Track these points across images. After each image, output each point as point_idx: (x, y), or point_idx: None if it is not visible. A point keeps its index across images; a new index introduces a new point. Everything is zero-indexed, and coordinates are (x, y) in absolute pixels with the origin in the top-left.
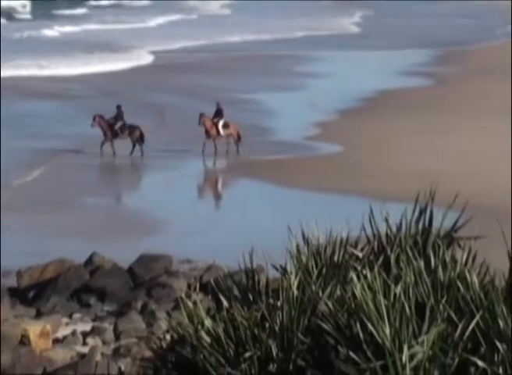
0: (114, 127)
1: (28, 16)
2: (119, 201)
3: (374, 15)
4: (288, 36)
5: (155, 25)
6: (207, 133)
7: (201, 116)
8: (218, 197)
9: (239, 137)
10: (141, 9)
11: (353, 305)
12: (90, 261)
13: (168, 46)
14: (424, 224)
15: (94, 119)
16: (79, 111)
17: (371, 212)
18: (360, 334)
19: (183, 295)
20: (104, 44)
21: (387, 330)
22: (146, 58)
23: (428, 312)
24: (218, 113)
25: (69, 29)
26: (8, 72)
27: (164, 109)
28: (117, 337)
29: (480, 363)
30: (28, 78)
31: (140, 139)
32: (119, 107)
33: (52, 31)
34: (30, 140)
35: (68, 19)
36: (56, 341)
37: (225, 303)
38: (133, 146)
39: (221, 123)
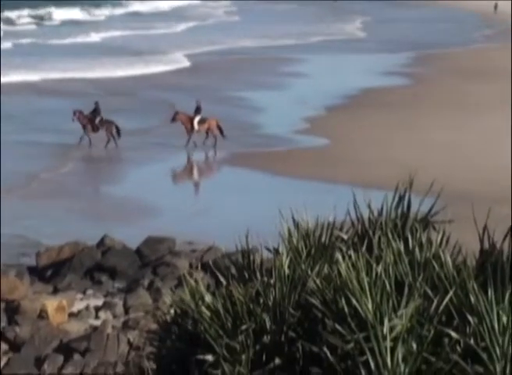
0: (94, 122)
1: (56, 23)
2: (120, 189)
3: (372, 20)
4: (304, 41)
5: (180, 31)
6: (185, 128)
7: (176, 113)
8: (215, 185)
9: (220, 131)
10: (160, 16)
11: (338, 282)
12: (101, 242)
13: (196, 50)
14: (402, 209)
15: (74, 114)
16: (145, 105)
17: (355, 198)
18: (345, 308)
19: (186, 274)
20: (141, 49)
21: (369, 305)
22: (184, 61)
23: (406, 289)
24: (197, 110)
25: (103, 35)
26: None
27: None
28: (126, 311)
29: (453, 335)
30: (78, 79)
31: (117, 133)
32: (96, 103)
33: (89, 37)
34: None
35: (91, 25)
36: (71, 315)
37: (223, 281)
38: (108, 139)
39: (197, 119)
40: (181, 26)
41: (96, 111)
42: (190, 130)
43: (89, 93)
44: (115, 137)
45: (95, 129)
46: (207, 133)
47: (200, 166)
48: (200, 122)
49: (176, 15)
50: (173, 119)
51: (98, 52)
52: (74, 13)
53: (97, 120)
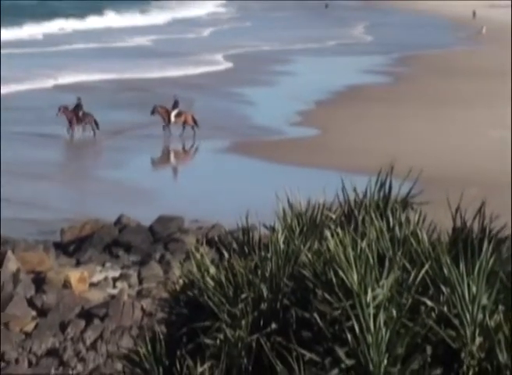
0: (78, 115)
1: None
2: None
3: (370, 25)
4: (321, 45)
5: (207, 35)
6: (163, 120)
7: (155, 107)
8: (217, 171)
9: (195, 123)
10: (179, 24)
11: (327, 257)
12: (118, 221)
13: (228, 52)
14: (384, 192)
15: (59, 109)
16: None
17: (343, 183)
18: (334, 280)
19: (193, 248)
20: (182, 51)
21: (355, 276)
22: (225, 62)
23: (387, 262)
24: (175, 104)
25: (139, 40)
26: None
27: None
28: (140, 281)
29: (429, 303)
30: (135, 79)
31: (95, 124)
32: (79, 98)
33: (130, 41)
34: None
35: (122, 31)
36: (92, 285)
37: (225, 255)
38: (93, 129)
39: (174, 113)
40: (206, 31)
41: (79, 106)
42: (168, 122)
43: (104, 89)
44: (94, 129)
45: (79, 121)
46: (183, 125)
47: (201, 155)
48: (177, 115)
49: (195, 22)
50: (153, 112)
51: (134, 55)
52: (105, 20)
53: (80, 114)
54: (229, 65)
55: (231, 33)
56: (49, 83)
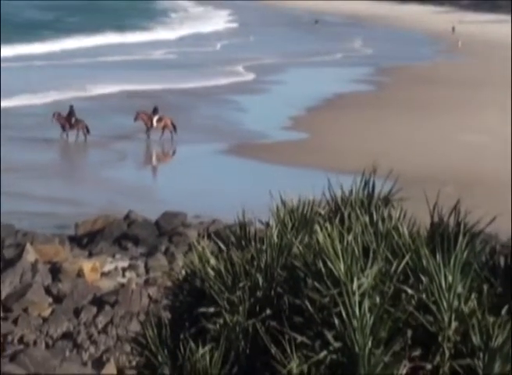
0: (70, 121)
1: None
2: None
3: (366, 39)
4: (327, 58)
5: (219, 48)
6: (146, 125)
7: (138, 113)
8: (216, 171)
9: (174, 127)
10: (188, 40)
11: (317, 249)
12: (127, 216)
13: (246, 64)
14: (368, 190)
15: (53, 115)
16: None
17: (330, 182)
18: (322, 270)
19: (195, 241)
20: (202, 63)
21: (342, 267)
22: (248, 73)
23: (371, 254)
24: (155, 111)
25: (157, 53)
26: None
27: None
28: (147, 271)
29: (409, 291)
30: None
31: (86, 130)
32: (71, 106)
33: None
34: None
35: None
36: (103, 274)
37: (224, 247)
38: (84, 134)
39: (155, 118)
40: (218, 45)
41: (71, 113)
42: (150, 126)
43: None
44: (85, 134)
45: (71, 127)
46: (163, 129)
47: (203, 156)
48: (158, 120)
49: (204, 38)
50: (136, 118)
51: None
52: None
53: (73, 120)
54: (251, 75)
55: (240, 47)
56: (80, 93)
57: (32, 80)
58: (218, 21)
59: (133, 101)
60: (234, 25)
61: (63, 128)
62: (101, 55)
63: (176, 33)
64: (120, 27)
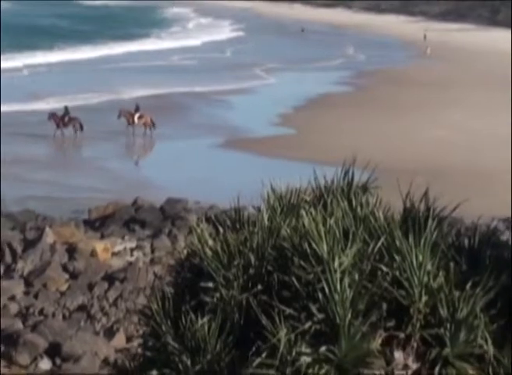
0: (64, 120)
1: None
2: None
3: (348, 45)
4: (329, 63)
5: (229, 55)
6: (128, 121)
7: (121, 111)
8: (213, 162)
9: (153, 124)
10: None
11: (303, 231)
12: (135, 202)
13: (263, 67)
14: (348, 180)
15: (49, 115)
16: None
17: (315, 172)
18: (308, 250)
19: (194, 224)
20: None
21: (325, 247)
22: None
23: (350, 236)
24: (137, 109)
25: (174, 58)
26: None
27: None
28: (152, 251)
29: (384, 268)
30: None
31: (80, 127)
32: (66, 107)
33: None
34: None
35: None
36: (113, 254)
37: (221, 230)
38: (75, 131)
39: (136, 115)
40: (227, 52)
41: (66, 112)
42: (132, 122)
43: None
44: (77, 130)
45: (66, 125)
46: (144, 125)
47: (202, 149)
48: (139, 117)
49: (213, 46)
50: (119, 116)
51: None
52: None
53: (66, 119)
54: (271, 79)
55: (248, 53)
56: (114, 95)
57: (68, 83)
58: (225, 30)
59: (162, 102)
60: (240, 33)
61: (57, 126)
62: (124, 61)
63: (195, 41)
64: (133, 36)
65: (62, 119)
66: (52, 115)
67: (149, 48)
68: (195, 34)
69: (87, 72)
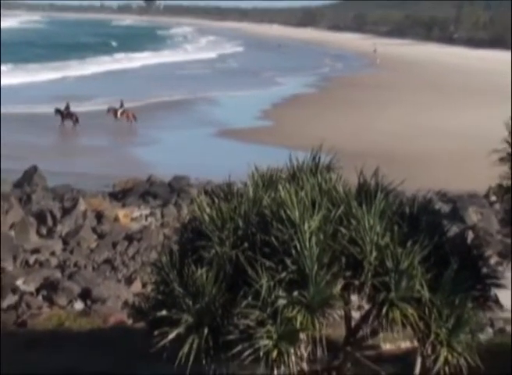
0: (63, 114)
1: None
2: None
3: (315, 56)
4: (319, 71)
5: (236, 65)
6: (114, 115)
7: (109, 108)
8: (208, 149)
9: (134, 118)
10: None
11: (280, 201)
12: (149, 179)
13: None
14: (315, 161)
15: (55, 111)
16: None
17: (290, 155)
18: (283, 216)
19: (195, 196)
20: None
21: (297, 214)
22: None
23: (317, 205)
24: (121, 105)
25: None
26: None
27: None
28: (162, 217)
29: (343, 230)
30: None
31: (76, 120)
32: (67, 103)
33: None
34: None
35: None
36: (132, 219)
37: (216, 200)
38: (73, 123)
39: (120, 111)
40: (233, 64)
41: (67, 108)
42: (115, 117)
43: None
44: (74, 123)
45: (66, 118)
46: (127, 119)
47: (199, 138)
48: (122, 113)
49: (229, 57)
50: (108, 111)
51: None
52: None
53: (66, 113)
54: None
55: (251, 62)
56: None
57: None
58: (227, 46)
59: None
60: (241, 48)
61: (62, 119)
62: (156, 70)
63: (212, 54)
64: (160, 49)
65: (63, 113)
66: (58, 110)
67: (178, 59)
68: (210, 48)
69: (130, 79)
